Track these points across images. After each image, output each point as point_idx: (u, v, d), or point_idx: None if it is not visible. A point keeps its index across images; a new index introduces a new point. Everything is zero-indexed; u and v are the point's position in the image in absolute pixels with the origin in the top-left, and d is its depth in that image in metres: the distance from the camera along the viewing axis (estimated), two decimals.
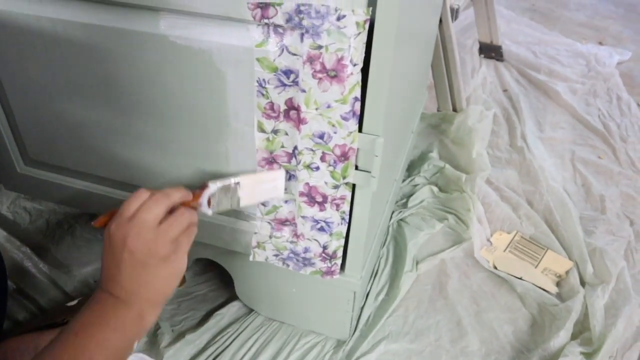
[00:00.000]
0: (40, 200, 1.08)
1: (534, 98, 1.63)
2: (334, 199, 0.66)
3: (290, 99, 0.59)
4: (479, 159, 1.26)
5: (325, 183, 0.64)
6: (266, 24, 0.55)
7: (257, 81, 0.59)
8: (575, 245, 1.07)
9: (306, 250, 0.72)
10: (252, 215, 0.74)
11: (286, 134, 0.63)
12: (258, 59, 0.57)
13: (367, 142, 0.60)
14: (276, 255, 0.75)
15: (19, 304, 0.88)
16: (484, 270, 1.02)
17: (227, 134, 0.66)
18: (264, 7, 0.53)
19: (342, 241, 0.71)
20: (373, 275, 0.99)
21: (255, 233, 0.74)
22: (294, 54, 0.56)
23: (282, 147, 0.64)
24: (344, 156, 0.61)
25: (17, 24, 0.66)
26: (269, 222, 0.73)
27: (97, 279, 0.96)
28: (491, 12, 1.76)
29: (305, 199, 0.67)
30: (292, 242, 0.73)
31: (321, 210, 0.67)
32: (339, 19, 0.51)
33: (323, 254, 0.72)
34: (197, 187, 0.59)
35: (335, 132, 0.59)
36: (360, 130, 0.60)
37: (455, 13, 1.35)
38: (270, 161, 0.66)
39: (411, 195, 1.18)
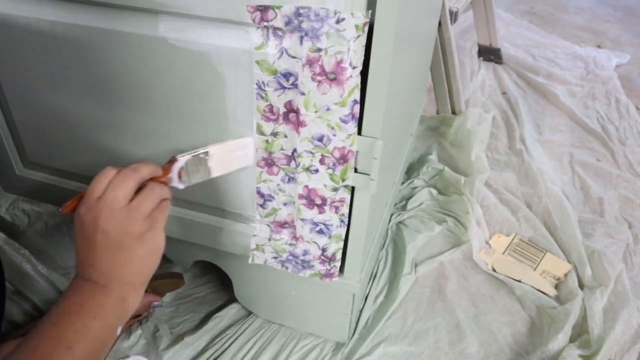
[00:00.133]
0: (39, 202, 1.08)
1: (533, 101, 1.64)
2: (333, 202, 0.66)
3: (290, 102, 0.60)
4: (478, 161, 1.26)
5: (325, 186, 0.65)
6: (265, 26, 0.55)
7: (257, 84, 0.59)
8: (573, 248, 1.07)
9: (305, 252, 0.72)
10: (251, 217, 0.74)
11: (285, 136, 0.63)
12: (257, 62, 0.57)
13: (366, 144, 0.60)
14: (275, 258, 0.75)
15: (18, 306, 0.88)
16: (483, 273, 1.03)
17: (226, 136, 0.66)
18: (264, 10, 0.53)
19: (341, 244, 0.71)
20: (372, 278, 0.99)
21: (254, 235, 0.74)
22: (294, 57, 0.56)
23: (282, 149, 0.64)
24: (343, 159, 0.61)
25: (17, 26, 0.67)
26: (268, 225, 0.73)
27: None
28: (490, 15, 1.76)
29: (304, 201, 0.67)
30: (291, 244, 0.73)
31: (320, 212, 0.67)
32: (338, 21, 0.52)
33: (322, 257, 0.72)
34: (165, 162, 0.58)
35: (334, 135, 0.60)
36: (359, 132, 0.60)
37: (454, 16, 1.35)
38: (270, 163, 0.66)
39: (410, 197, 1.18)
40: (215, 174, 0.61)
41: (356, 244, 0.71)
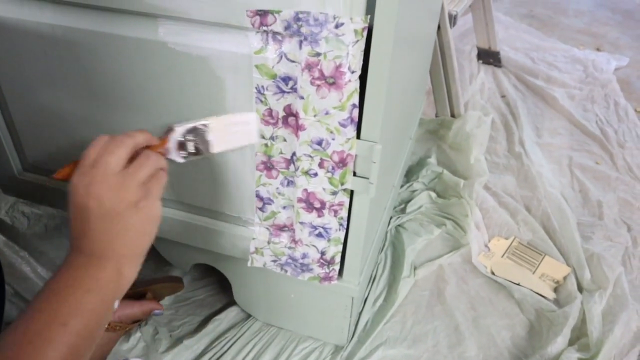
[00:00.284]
0: (39, 204, 1.08)
1: (532, 104, 1.64)
2: (332, 205, 0.66)
3: (289, 106, 0.60)
4: (477, 164, 1.26)
5: (324, 189, 0.65)
6: (265, 31, 0.55)
7: (256, 88, 0.59)
8: (572, 251, 1.07)
9: (304, 256, 0.72)
10: (250, 220, 0.74)
11: (284, 140, 0.63)
12: (257, 66, 0.58)
13: (365, 148, 0.61)
14: (274, 261, 0.75)
15: (17, 308, 0.88)
16: (482, 276, 1.03)
17: None
18: (263, 14, 0.54)
19: (340, 247, 0.71)
20: (371, 281, 0.99)
21: (254, 239, 0.74)
22: (293, 61, 0.56)
23: (281, 153, 0.64)
24: (342, 163, 0.62)
25: (17, 29, 0.67)
26: (267, 228, 0.74)
27: None
28: (489, 19, 1.76)
29: (303, 205, 0.67)
30: (290, 247, 0.73)
31: (319, 216, 0.67)
32: (337, 26, 0.52)
33: (321, 260, 0.72)
34: (162, 133, 0.55)
35: (333, 139, 0.60)
36: (358, 136, 0.60)
37: (453, 19, 1.35)
38: (269, 167, 0.66)
39: (409, 201, 1.18)
40: (215, 149, 0.57)
41: (355, 247, 0.72)
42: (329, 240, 0.70)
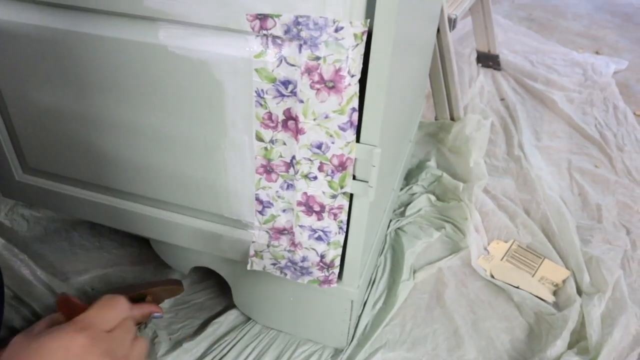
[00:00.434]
0: (38, 207, 1.09)
1: (531, 107, 1.64)
2: (332, 209, 0.66)
3: (289, 109, 0.60)
4: (477, 167, 1.26)
5: (323, 193, 0.65)
6: (265, 35, 0.55)
7: (256, 91, 0.59)
8: (571, 254, 1.07)
9: (304, 259, 0.73)
10: (249, 224, 0.74)
11: (284, 143, 0.63)
12: (256, 70, 0.58)
13: (364, 152, 0.61)
14: (274, 264, 0.75)
15: (16, 311, 0.88)
16: (481, 279, 1.03)
17: (225, 143, 0.66)
18: (263, 18, 0.54)
19: (340, 250, 0.71)
20: (370, 284, 0.99)
21: (253, 242, 0.74)
22: (293, 65, 0.56)
23: (280, 156, 0.64)
24: (342, 166, 0.62)
25: (17, 33, 0.67)
26: (266, 231, 0.74)
27: (95, 286, 0.96)
28: (489, 22, 1.77)
29: (303, 208, 0.67)
30: (289, 251, 0.73)
31: (319, 219, 0.68)
32: (337, 30, 0.52)
33: (321, 263, 0.72)
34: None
35: (333, 143, 0.60)
36: (357, 140, 0.60)
37: (453, 22, 1.36)
38: (269, 170, 0.66)
39: (409, 203, 1.18)
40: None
41: (355, 250, 0.72)
42: (328, 244, 0.70)
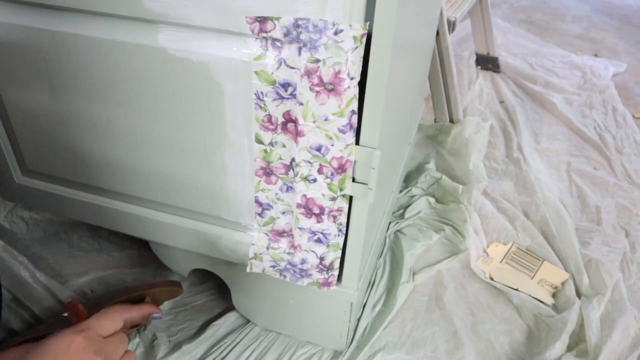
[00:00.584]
0: (38, 210, 1.08)
1: (531, 109, 1.64)
2: (331, 211, 0.66)
3: (288, 112, 0.60)
4: (476, 170, 1.26)
5: (323, 195, 0.65)
6: (264, 37, 0.56)
7: (255, 94, 0.60)
8: (571, 256, 1.07)
9: (303, 261, 0.73)
10: (249, 226, 0.74)
11: (284, 146, 0.63)
12: (256, 72, 0.58)
13: (364, 154, 0.61)
14: (273, 267, 0.75)
15: (15, 314, 0.88)
16: (481, 282, 1.03)
17: (224, 145, 0.66)
18: (262, 21, 0.54)
19: (339, 252, 0.71)
20: (370, 286, 0.99)
21: (253, 244, 0.74)
22: (292, 67, 0.56)
23: (280, 159, 0.65)
24: (341, 168, 0.62)
25: (17, 35, 0.67)
26: (266, 234, 0.74)
27: (94, 288, 0.96)
28: (488, 24, 1.77)
29: (302, 210, 0.67)
30: (289, 253, 0.73)
31: (318, 221, 0.68)
32: (336, 33, 0.52)
33: (320, 266, 0.72)
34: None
35: (332, 145, 0.60)
36: (357, 142, 0.61)
37: (452, 25, 1.36)
38: (268, 172, 0.66)
39: (408, 206, 1.18)
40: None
41: (354, 252, 0.72)
42: (328, 246, 0.70)
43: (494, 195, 1.24)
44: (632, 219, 1.22)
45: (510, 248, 1.11)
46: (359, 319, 0.93)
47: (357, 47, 0.53)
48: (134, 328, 0.83)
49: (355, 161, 0.62)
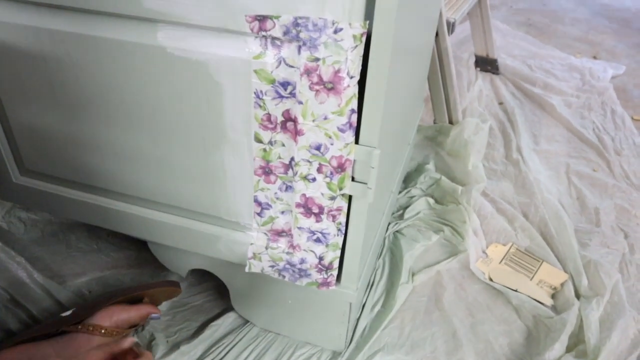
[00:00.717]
0: (36, 210, 1.08)
1: (530, 111, 1.65)
2: (331, 210, 0.66)
3: (288, 111, 0.60)
4: (475, 171, 1.26)
5: (322, 194, 0.65)
6: (264, 36, 0.56)
7: (255, 93, 0.59)
8: (570, 257, 1.07)
9: (302, 261, 0.72)
10: (248, 226, 0.74)
11: (283, 145, 0.63)
12: (255, 71, 0.58)
13: (363, 153, 0.61)
14: (272, 266, 0.75)
15: (13, 314, 0.87)
16: (480, 282, 1.03)
17: (223, 145, 0.66)
18: (262, 19, 0.54)
19: (338, 252, 0.71)
20: (369, 287, 0.99)
21: (251, 244, 0.74)
22: (292, 66, 0.56)
23: (279, 158, 0.64)
24: (341, 168, 0.62)
25: (16, 35, 0.67)
26: (265, 233, 0.73)
27: (92, 289, 0.95)
28: (487, 26, 1.77)
29: (301, 210, 0.67)
30: (288, 253, 0.73)
31: (317, 221, 0.67)
32: (336, 32, 0.52)
33: (319, 265, 0.72)
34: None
35: (332, 144, 0.60)
36: (356, 142, 0.60)
37: (451, 26, 1.36)
38: (267, 171, 0.66)
39: (407, 206, 1.18)
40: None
41: (353, 252, 0.72)
42: (327, 246, 0.70)
43: (493, 196, 1.24)
44: (631, 220, 1.22)
45: (510, 249, 1.11)
46: (358, 320, 0.92)
47: (356, 46, 0.53)
48: (132, 328, 0.82)
49: (354, 160, 0.61)
